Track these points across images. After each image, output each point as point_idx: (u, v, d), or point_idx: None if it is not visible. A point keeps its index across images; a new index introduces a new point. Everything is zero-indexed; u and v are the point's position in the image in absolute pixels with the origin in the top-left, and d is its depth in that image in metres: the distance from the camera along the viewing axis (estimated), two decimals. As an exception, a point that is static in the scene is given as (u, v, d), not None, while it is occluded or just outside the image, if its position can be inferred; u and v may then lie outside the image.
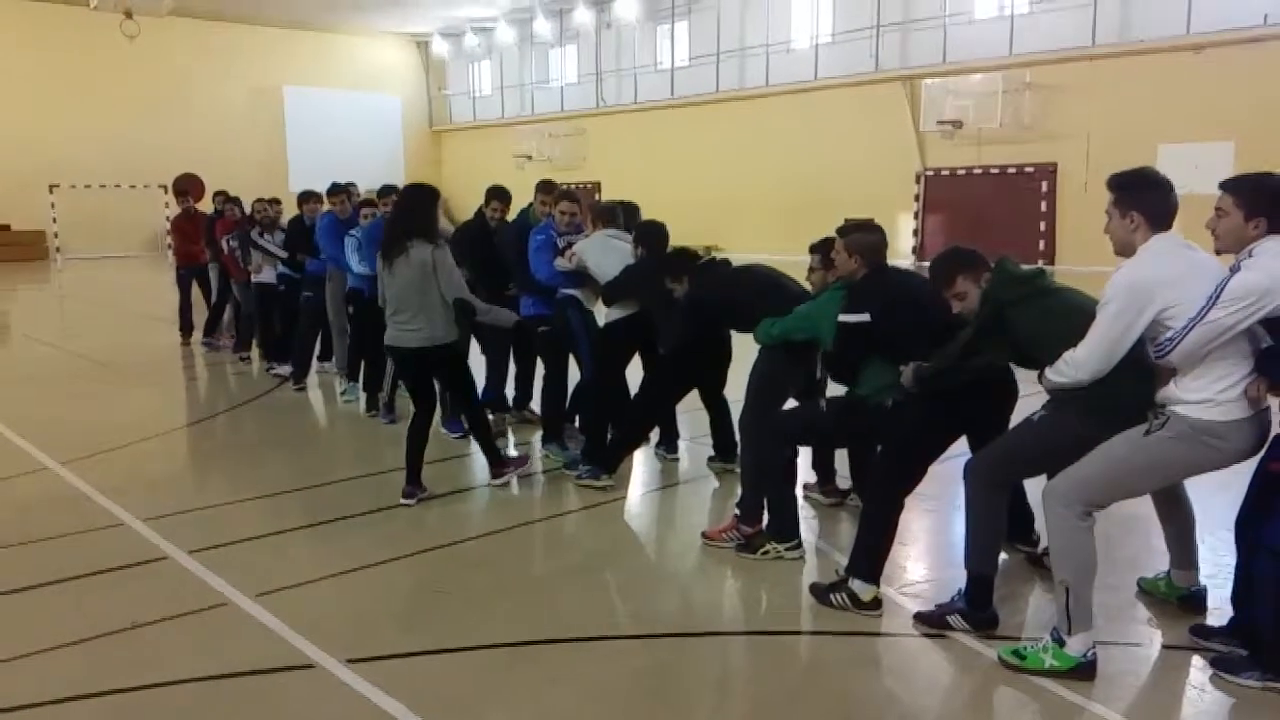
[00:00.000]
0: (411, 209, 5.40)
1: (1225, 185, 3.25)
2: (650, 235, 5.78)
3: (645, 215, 6.05)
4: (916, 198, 23.60)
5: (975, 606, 3.72)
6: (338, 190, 8.21)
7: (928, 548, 4.78)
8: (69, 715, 3.26)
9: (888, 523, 3.99)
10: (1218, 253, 3.30)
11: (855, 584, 3.94)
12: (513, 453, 6.06)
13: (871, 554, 3.95)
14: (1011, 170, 21.85)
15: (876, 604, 3.93)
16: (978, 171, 22.54)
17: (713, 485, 5.83)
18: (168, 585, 4.33)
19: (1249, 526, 3.35)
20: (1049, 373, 3.43)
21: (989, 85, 21.45)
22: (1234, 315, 3.05)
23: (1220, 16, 17.98)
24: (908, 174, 23.55)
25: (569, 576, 4.53)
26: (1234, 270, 3.14)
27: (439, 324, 5.31)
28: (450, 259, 5.29)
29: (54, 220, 28.68)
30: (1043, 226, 21.21)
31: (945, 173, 23.15)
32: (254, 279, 9.50)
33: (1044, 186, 21.17)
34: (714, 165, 26.98)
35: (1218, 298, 3.06)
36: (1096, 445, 3.33)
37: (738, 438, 5.38)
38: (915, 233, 23.59)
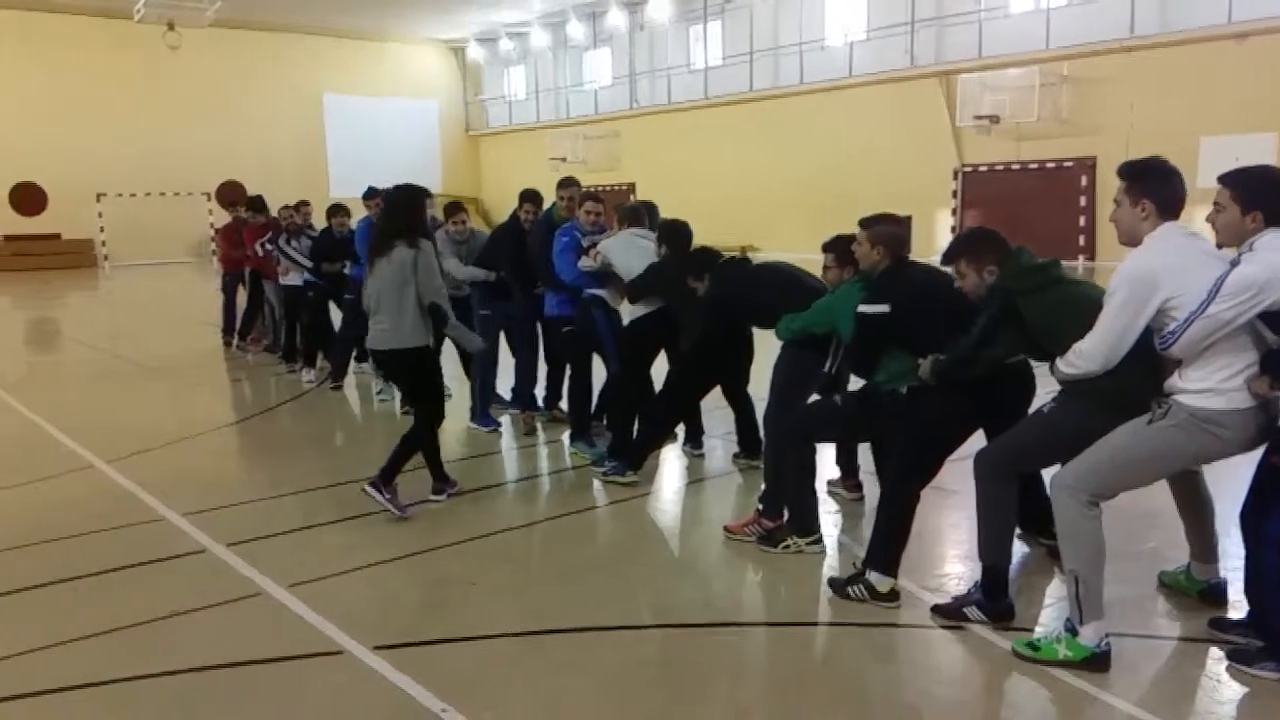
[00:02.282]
0: (397, 210, 5.32)
1: (1223, 179, 3.25)
2: (674, 234, 5.86)
3: (681, 216, 6.10)
4: (954, 194, 23.41)
5: (990, 597, 3.75)
6: (373, 195, 8.38)
7: (949, 542, 4.80)
8: (109, 697, 3.41)
9: (904, 515, 4.02)
10: (1219, 246, 3.31)
11: (872, 576, 3.98)
12: (399, 500, 5.22)
13: (888, 546, 3.99)
14: (1050, 165, 21.60)
15: (894, 595, 3.97)
16: (1016, 167, 22.31)
17: (738, 481, 5.88)
18: (205, 576, 4.49)
19: (1252, 520, 3.34)
20: (1060, 364, 3.45)
21: (1026, 79, 21.22)
22: (1233, 309, 3.06)
23: (1263, 4, 17.63)
24: (945, 170, 23.36)
25: (591, 569, 4.61)
26: (1234, 264, 3.14)
27: (408, 326, 5.15)
28: (433, 261, 5.19)
29: (101, 229, 29.42)
30: (1083, 222, 20.95)
31: (983, 169, 22.94)
32: (281, 281, 9.75)
33: (1083, 181, 20.91)
34: (748, 165, 26.95)
35: (1217, 292, 3.07)
36: (1104, 435, 3.34)
37: (762, 434, 5.44)
38: (953, 230, 23.37)
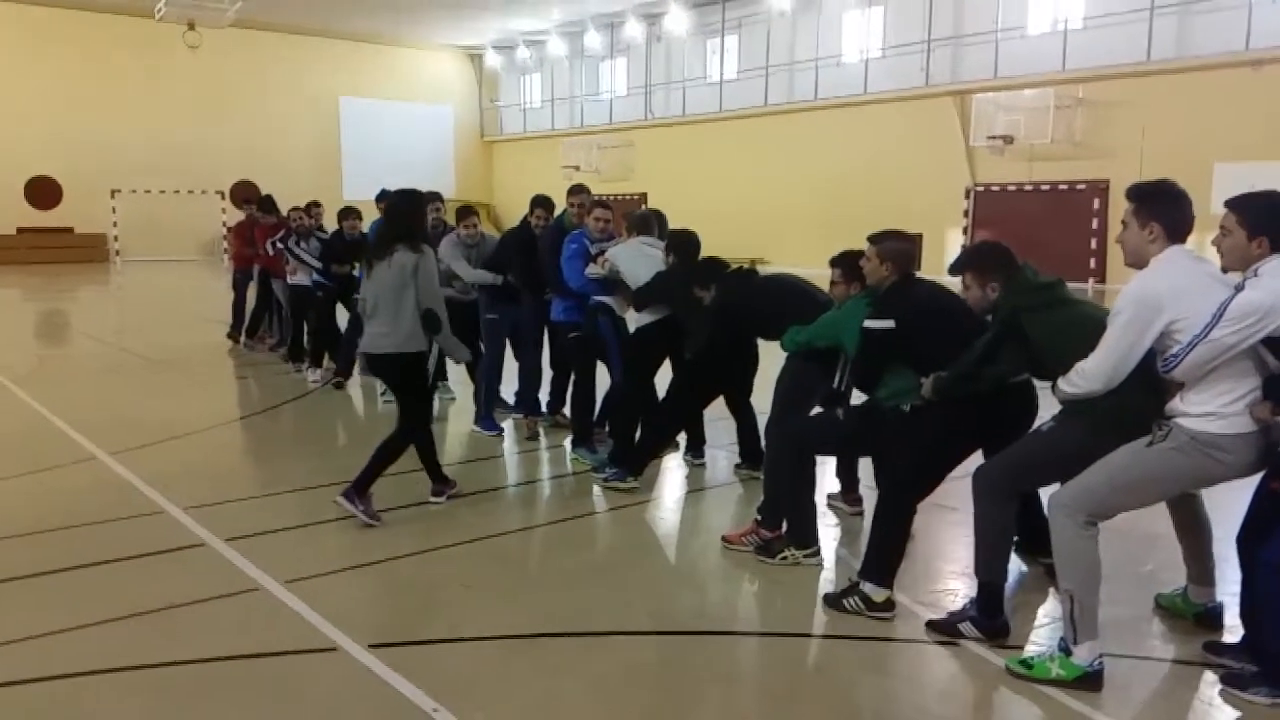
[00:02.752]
0: (399, 214, 5.28)
1: (1229, 204, 3.25)
2: (682, 243, 5.89)
3: (693, 227, 6.12)
4: (966, 213, 23.39)
5: (986, 614, 3.75)
6: (386, 197, 8.41)
7: (947, 558, 4.79)
8: (102, 687, 3.42)
9: (900, 527, 4.03)
10: (1224, 270, 3.31)
11: (867, 587, 3.99)
12: (371, 508, 5.12)
13: (883, 557, 4.00)
14: (1063, 187, 21.57)
15: (889, 606, 3.98)
16: (1028, 188, 22.29)
17: (738, 491, 5.88)
18: (203, 570, 4.51)
19: (1249, 544, 3.34)
20: (1061, 383, 3.45)
21: (1040, 100, 21.23)
22: (1237, 334, 3.06)
23: (1281, 32, 17.66)
24: (957, 189, 23.36)
25: (588, 574, 4.62)
26: (1238, 289, 3.14)
27: (405, 331, 5.10)
28: (434, 267, 5.17)
29: (114, 224, 29.64)
30: (1094, 244, 20.91)
31: (995, 188, 22.93)
32: (289, 280, 9.81)
33: (1095, 204, 20.89)
34: (762, 178, 26.99)
35: (1221, 316, 3.07)
36: (1103, 456, 3.34)
37: (764, 444, 5.44)
38: (964, 249, 23.34)
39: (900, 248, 4.33)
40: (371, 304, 5.20)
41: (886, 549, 4.00)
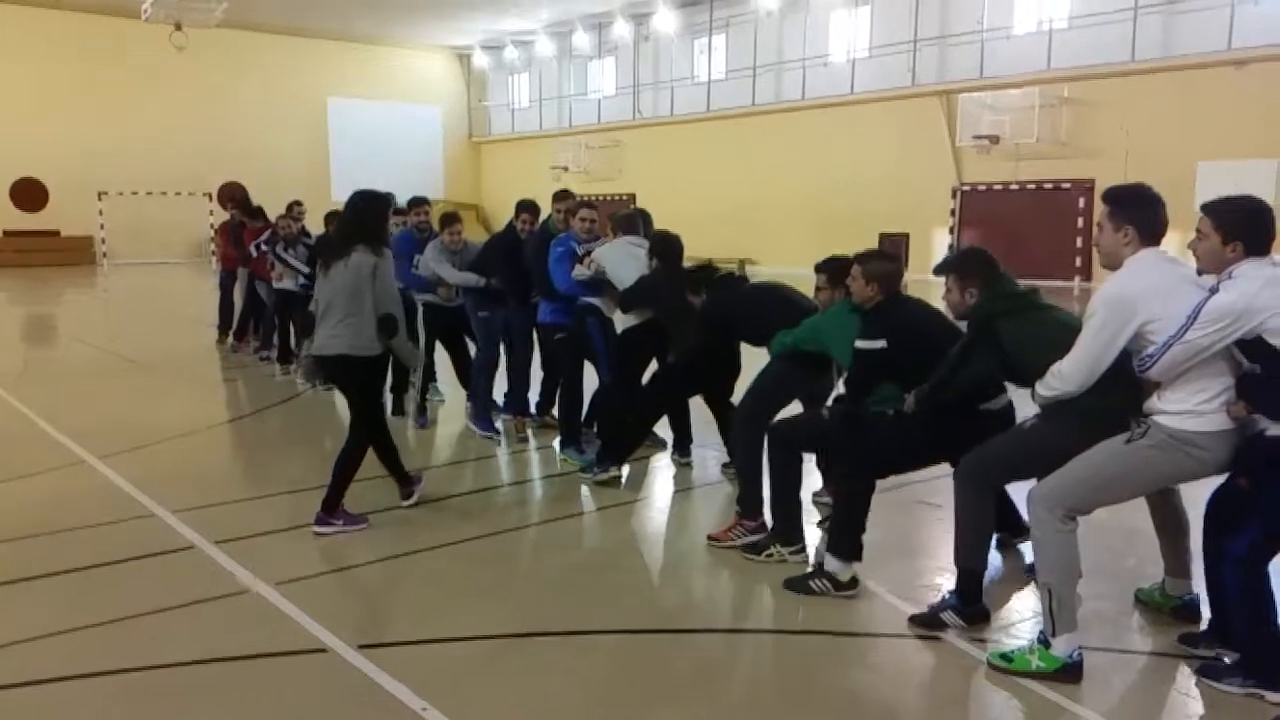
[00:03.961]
0: (359, 215, 5.11)
1: (1205, 208, 3.31)
2: (665, 246, 5.93)
3: (681, 228, 6.16)
4: (952, 213, 23.52)
5: (965, 601, 3.83)
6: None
7: (932, 555, 4.84)
8: (90, 691, 3.45)
9: (863, 504, 4.18)
10: (1199, 273, 3.37)
11: (833, 565, 4.14)
12: (351, 516, 5.11)
13: (850, 532, 4.14)
14: (1048, 186, 21.72)
15: (854, 583, 4.14)
16: (1014, 187, 22.42)
17: (724, 491, 5.91)
18: (192, 573, 4.53)
19: (1212, 536, 3.43)
20: (1039, 386, 3.51)
21: (1026, 100, 21.36)
22: (1210, 336, 3.12)
23: (1263, 32, 17.79)
24: (944, 189, 23.47)
25: (575, 573, 4.66)
26: (1213, 291, 3.20)
27: (364, 334, 4.96)
28: (391, 270, 5.07)
29: (101, 226, 29.51)
30: (1079, 243, 21.05)
31: (981, 188, 23.06)
32: (275, 284, 9.82)
33: (1081, 203, 21.02)
34: (749, 178, 27.08)
35: (1195, 318, 3.13)
36: (1081, 453, 3.41)
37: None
38: (950, 248, 23.44)
39: (886, 269, 4.38)
40: (324, 305, 5.04)
41: (850, 525, 4.15)
